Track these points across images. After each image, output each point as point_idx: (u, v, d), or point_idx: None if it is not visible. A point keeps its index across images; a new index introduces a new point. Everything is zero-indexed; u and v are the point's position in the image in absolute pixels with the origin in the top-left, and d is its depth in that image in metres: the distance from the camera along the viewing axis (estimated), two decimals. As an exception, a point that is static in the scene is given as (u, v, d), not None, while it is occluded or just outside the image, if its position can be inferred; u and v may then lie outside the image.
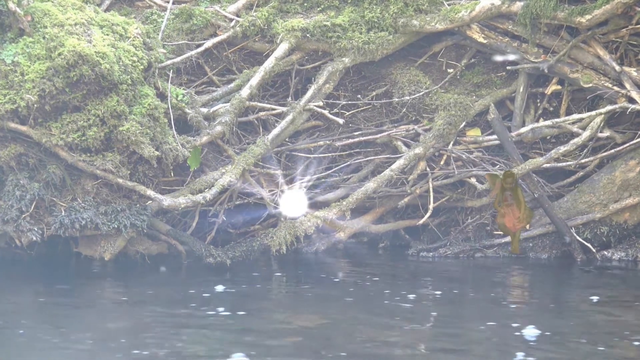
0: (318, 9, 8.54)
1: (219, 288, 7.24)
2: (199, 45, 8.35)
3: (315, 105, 8.36)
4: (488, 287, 7.63)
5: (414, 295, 7.10)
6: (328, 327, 6.39)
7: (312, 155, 8.45)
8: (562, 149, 8.39)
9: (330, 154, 8.52)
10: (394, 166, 8.26)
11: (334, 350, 5.78)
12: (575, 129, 8.44)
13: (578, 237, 8.35)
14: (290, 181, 8.38)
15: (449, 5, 8.43)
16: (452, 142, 8.44)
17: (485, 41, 8.48)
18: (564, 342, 6.00)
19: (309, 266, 8.30)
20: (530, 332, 6.14)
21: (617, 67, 8.25)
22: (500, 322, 6.42)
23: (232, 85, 8.32)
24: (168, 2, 8.52)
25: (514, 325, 6.30)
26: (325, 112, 8.40)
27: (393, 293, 7.21)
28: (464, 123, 8.46)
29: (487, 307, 7.00)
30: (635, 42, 8.40)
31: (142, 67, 7.65)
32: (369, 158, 8.51)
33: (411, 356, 5.74)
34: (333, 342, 5.96)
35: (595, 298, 7.15)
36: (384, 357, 5.64)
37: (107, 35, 7.60)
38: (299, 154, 8.47)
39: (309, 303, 7.13)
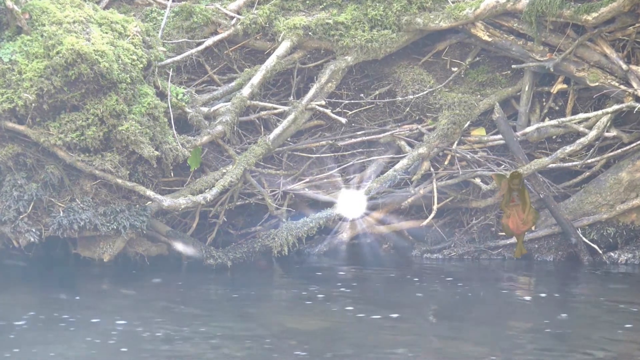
0: (320, 7, 8.47)
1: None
2: (199, 44, 8.28)
3: (317, 105, 8.29)
4: (544, 288, 7.68)
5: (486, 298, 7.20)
6: (332, 329, 6.34)
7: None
8: (568, 148, 8.31)
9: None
10: (397, 166, 8.19)
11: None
12: (581, 128, 8.37)
13: (584, 238, 8.28)
14: (293, 181, 8.34)
15: (453, 2, 8.36)
16: (456, 142, 8.38)
17: (490, 39, 8.40)
18: None
19: (311, 267, 8.24)
20: None
21: (624, 66, 8.17)
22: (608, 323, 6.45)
23: (233, 84, 8.26)
24: (168, -1, 8.47)
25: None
26: (328, 111, 8.32)
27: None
28: (468, 122, 8.38)
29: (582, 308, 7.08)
30: (642, 41, 8.34)
31: (141, 65, 7.60)
32: (372, 158, 8.44)
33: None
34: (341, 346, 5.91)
35: None
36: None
37: (106, 33, 7.55)
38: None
39: (311, 305, 7.08)
